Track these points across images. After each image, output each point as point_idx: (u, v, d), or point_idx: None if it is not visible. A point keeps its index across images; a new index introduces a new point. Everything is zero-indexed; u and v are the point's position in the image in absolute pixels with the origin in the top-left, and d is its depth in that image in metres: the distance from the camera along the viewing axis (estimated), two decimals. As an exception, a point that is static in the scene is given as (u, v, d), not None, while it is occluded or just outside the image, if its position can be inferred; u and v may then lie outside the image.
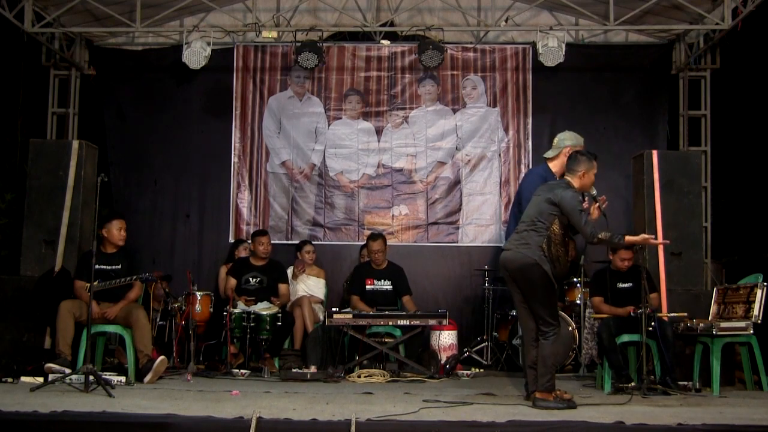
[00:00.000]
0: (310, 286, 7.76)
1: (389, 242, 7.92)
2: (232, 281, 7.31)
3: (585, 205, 5.00)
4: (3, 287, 6.94)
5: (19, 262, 7.23)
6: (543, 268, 4.87)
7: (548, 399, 4.92)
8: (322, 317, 7.20)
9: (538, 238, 4.91)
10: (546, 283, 4.91)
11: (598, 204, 5.04)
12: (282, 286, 7.36)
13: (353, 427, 4.02)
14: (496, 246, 8.52)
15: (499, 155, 8.65)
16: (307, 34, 8.25)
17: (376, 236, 7.63)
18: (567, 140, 5.45)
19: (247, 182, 8.71)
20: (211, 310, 7.25)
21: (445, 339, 7.33)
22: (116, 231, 6.32)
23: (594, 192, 5.18)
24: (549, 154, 5.52)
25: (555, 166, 5.46)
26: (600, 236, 4.84)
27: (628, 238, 5.02)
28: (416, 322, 6.77)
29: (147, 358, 6.01)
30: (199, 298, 7.20)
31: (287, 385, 6.07)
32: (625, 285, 6.35)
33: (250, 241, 7.73)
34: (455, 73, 8.78)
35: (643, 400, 5.36)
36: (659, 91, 8.69)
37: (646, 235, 5.13)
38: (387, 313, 6.87)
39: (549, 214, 4.92)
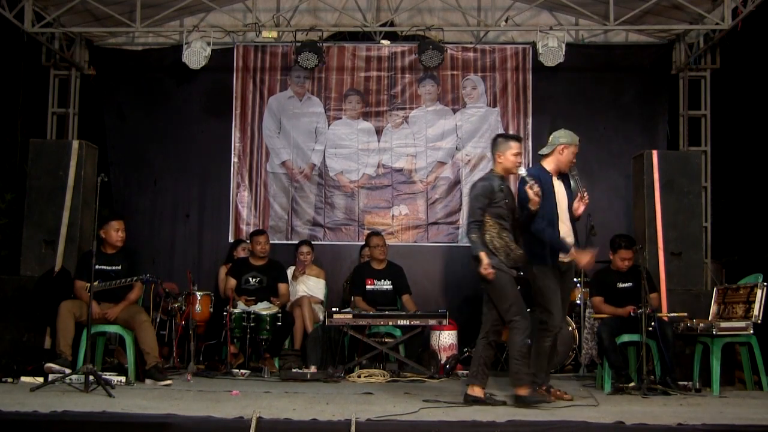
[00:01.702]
0: (310, 286, 7.76)
1: (389, 242, 7.93)
2: (232, 281, 7.31)
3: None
4: (3, 287, 6.94)
5: (19, 262, 7.24)
6: (493, 265, 4.99)
7: (524, 395, 5.00)
8: (322, 317, 7.20)
9: (480, 234, 5.06)
10: (492, 280, 5.01)
11: (530, 185, 5.10)
12: (282, 286, 7.36)
13: (353, 427, 4.03)
14: (496, 246, 8.54)
15: (499, 155, 8.64)
16: (307, 34, 8.25)
17: (376, 233, 7.77)
18: (561, 138, 5.48)
19: (247, 182, 8.71)
20: (211, 310, 7.25)
21: (445, 339, 7.32)
22: (114, 232, 6.31)
23: (523, 172, 5.19)
24: (543, 151, 5.55)
25: (549, 164, 5.48)
26: (471, 236, 5.07)
27: (482, 254, 5.00)
28: (416, 322, 6.77)
29: (156, 360, 6.01)
30: (199, 298, 7.20)
31: (287, 385, 6.07)
32: (625, 285, 6.35)
33: (249, 241, 7.73)
34: (455, 73, 8.77)
35: (643, 400, 5.36)
36: (659, 91, 8.68)
37: (487, 264, 4.99)
38: (387, 313, 6.87)
39: (477, 209, 5.09)
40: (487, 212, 5.09)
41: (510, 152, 5.20)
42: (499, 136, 5.39)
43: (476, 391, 5.08)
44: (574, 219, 5.45)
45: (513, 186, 5.58)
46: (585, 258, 5.28)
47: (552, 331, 5.29)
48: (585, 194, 5.44)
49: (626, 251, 6.32)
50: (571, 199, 5.46)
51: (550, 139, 5.55)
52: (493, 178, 5.24)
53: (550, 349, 5.36)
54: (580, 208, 5.44)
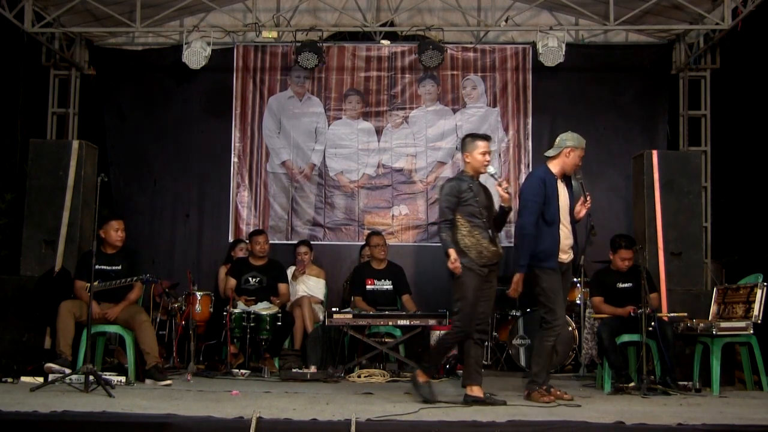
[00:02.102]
0: (311, 286, 7.76)
1: (389, 242, 7.93)
2: (232, 281, 7.31)
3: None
4: (3, 287, 6.94)
5: (19, 262, 7.24)
6: (463, 263, 5.09)
7: (419, 381, 5.18)
8: (322, 317, 7.20)
9: (451, 233, 5.16)
10: (459, 277, 5.11)
11: (498, 182, 5.21)
12: (281, 286, 7.36)
13: (353, 427, 4.02)
14: (496, 246, 8.54)
15: (499, 155, 8.65)
16: (307, 34, 8.25)
17: (376, 232, 7.78)
18: (568, 141, 5.48)
19: (247, 182, 8.71)
20: (211, 310, 7.24)
21: (445, 339, 7.30)
22: (113, 232, 6.31)
23: (492, 171, 5.29)
24: (550, 152, 5.55)
25: (555, 166, 5.49)
26: (442, 235, 5.18)
27: (451, 251, 5.10)
28: (416, 322, 6.76)
29: (156, 360, 6.01)
30: (199, 298, 7.19)
31: (287, 385, 6.07)
32: (625, 285, 6.35)
33: (248, 241, 7.73)
34: (455, 73, 8.77)
35: (643, 400, 5.36)
36: (659, 91, 8.68)
37: (455, 260, 5.09)
38: (387, 313, 6.87)
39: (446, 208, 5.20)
40: (457, 211, 5.17)
41: (477, 151, 5.26)
42: (467, 136, 5.45)
43: (475, 391, 5.11)
44: (574, 221, 5.47)
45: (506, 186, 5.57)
46: (513, 290, 5.37)
47: (556, 329, 5.30)
48: (588, 198, 5.45)
49: (626, 251, 6.32)
50: (572, 201, 5.47)
51: (557, 141, 5.56)
52: (462, 177, 5.33)
53: (551, 349, 5.37)
54: (582, 211, 5.48)
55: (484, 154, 5.25)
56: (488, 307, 5.34)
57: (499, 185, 5.19)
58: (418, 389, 5.15)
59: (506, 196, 5.19)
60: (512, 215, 5.79)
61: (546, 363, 5.39)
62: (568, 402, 5.17)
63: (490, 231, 5.20)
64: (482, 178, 5.40)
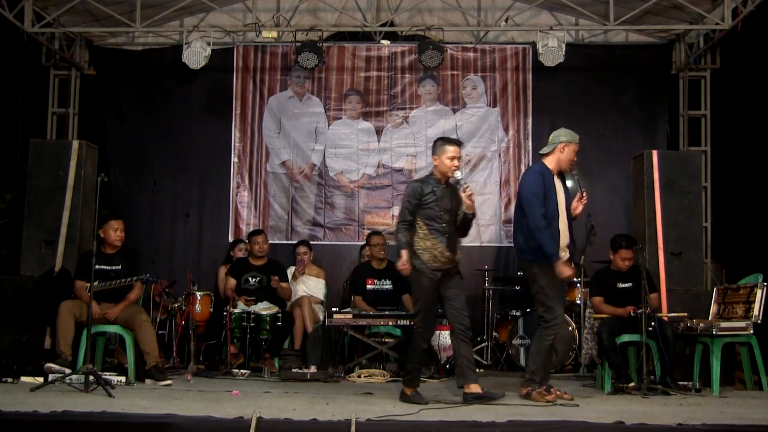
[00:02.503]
0: (310, 286, 7.76)
1: (389, 242, 7.91)
2: (232, 281, 7.31)
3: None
4: (3, 287, 6.94)
5: (19, 262, 7.24)
6: (415, 265, 5.15)
7: (407, 394, 5.23)
8: (322, 317, 7.21)
9: (407, 234, 5.21)
10: (412, 278, 5.21)
11: (462, 189, 5.21)
12: (282, 284, 7.36)
13: (353, 427, 4.03)
14: (496, 246, 8.55)
15: (499, 155, 8.65)
16: (307, 34, 8.25)
17: (377, 232, 7.77)
18: (562, 136, 5.50)
19: (247, 182, 8.71)
20: (211, 310, 7.24)
21: (445, 339, 7.32)
22: (112, 231, 6.30)
23: (458, 176, 5.26)
24: (544, 150, 5.57)
25: (550, 163, 5.50)
26: (398, 235, 5.23)
27: (403, 252, 5.16)
28: (416, 322, 6.76)
29: (156, 360, 6.01)
30: (199, 298, 7.19)
31: (287, 385, 6.07)
32: (626, 285, 6.34)
33: (247, 242, 7.73)
34: (455, 73, 8.77)
35: (643, 400, 5.36)
36: (659, 91, 8.68)
37: (405, 261, 5.14)
38: (387, 313, 6.87)
39: (405, 209, 5.26)
40: (417, 213, 5.20)
41: (445, 156, 5.27)
42: (438, 139, 5.46)
43: (473, 388, 5.13)
44: (571, 218, 5.47)
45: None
46: (567, 272, 5.28)
47: (555, 327, 5.30)
48: (584, 194, 5.45)
49: (627, 251, 6.32)
50: (568, 199, 5.48)
51: (551, 138, 5.57)
52: (427, 180, 5.36)
53: (549, 348, 5.37)
54: (578, 207, 5.48)
55: (452, 159, 5.25)
56: (461, 302, 5.31)
57: (463, 191, 5.18)
58: (409, 401, 5.13)
59: (469, 202, 5.18)
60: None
61: (545, 362, 5.39)
62: (567, 401, 5.17)
63: (448, 236, 5.21)
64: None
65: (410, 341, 5.43)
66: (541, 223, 5.26)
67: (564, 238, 5.38)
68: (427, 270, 5.15)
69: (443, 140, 5.38)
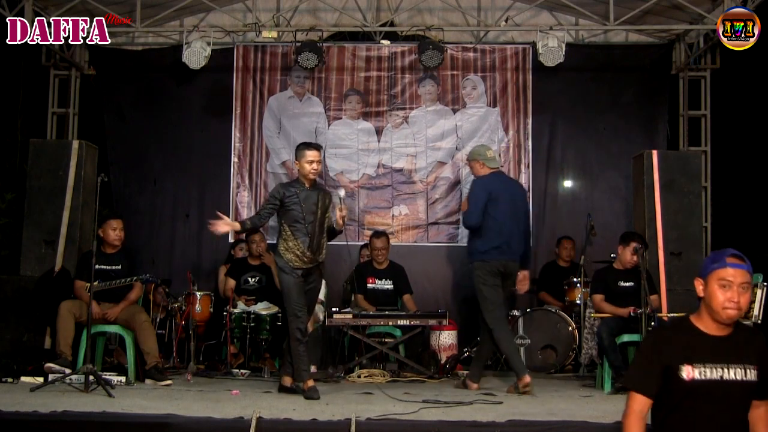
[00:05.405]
0: (310, 286, 7.75)
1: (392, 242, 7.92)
2: (231, 282, 7.31)
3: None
4: (3, 287, 6.94)
5: (19, 262, 7.24)
6: (278, 264, 5.51)
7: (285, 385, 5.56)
8: (322, 317, 7.20)
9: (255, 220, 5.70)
10: (279, 276, 5.64)
11: (339, 207, 5.58)
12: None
13: (353, 427, 4.03)
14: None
15: (499, 155, 8.63)
16: (307, 34, 8.24)
17: (380, 234, 7.65)
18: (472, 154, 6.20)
19: (247, 182, 8.71)
20: (211, 310, 7.24)
21: (445, 339, 7.32)
22: (112, 231, 6.29)
23: (341, 194, 5.84)
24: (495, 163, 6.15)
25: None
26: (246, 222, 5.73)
27: (236, 224, 6.07)
28: (416, 322, 6.77)
29: (156, 360, 6.01)
30: (199, 298, 7.19)
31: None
32: (627, 284, 6.34)
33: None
34: (455, 73, 8.77)
35: (643, 400, 5.35)
36: (659, 91, 8.68)
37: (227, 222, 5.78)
38: (387, 313, 6.87)
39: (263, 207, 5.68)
40: (282, 217, 5.50)
41: (304, 160, 5.52)
42: (300, 144, 5.74)
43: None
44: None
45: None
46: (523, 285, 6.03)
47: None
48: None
49: (638, 244, 6.30)
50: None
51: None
52: (292, 183, 5.67)
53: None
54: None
55: (310, 163, 5.50)
56: (310, 300, 5.67)
57: (340, 210, 5.53)
58: (288, 391, 5.46)
59: (341, 222, 5.55)
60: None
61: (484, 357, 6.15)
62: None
63: (311, 237, 5.44)
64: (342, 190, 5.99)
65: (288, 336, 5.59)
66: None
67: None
68: (288, 269, 5.44)
69: (303, 145, 5.66)
